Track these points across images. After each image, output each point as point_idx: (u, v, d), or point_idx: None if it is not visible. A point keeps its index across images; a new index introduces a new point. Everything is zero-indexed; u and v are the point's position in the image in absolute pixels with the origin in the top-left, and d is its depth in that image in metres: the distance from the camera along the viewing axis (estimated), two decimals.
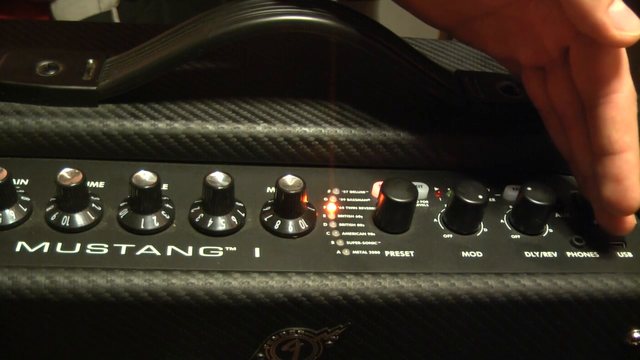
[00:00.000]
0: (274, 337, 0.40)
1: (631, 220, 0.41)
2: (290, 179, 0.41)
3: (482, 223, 0.43)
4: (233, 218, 0.41)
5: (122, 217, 0.40)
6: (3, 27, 0.52)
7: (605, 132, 0.39)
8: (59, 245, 0.39)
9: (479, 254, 0.42)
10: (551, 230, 0.44)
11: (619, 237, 0.44)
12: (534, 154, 0.46)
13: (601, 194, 0.39)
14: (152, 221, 0.40)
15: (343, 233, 0.42)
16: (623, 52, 0.38)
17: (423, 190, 0.45)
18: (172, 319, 0.39)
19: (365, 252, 0.41)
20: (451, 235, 0.43)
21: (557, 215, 0.45)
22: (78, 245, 0.39)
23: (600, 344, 0.43)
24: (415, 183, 0.42)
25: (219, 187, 0.39)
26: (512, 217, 0.44)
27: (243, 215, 0.41)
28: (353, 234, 0.42)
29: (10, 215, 0.39)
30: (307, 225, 0.41)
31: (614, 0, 0.36)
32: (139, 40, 0.46)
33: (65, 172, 0.39)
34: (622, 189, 0.39)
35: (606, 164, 0.39)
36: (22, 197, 0.40)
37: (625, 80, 0.38)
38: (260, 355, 0.41)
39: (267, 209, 0.42)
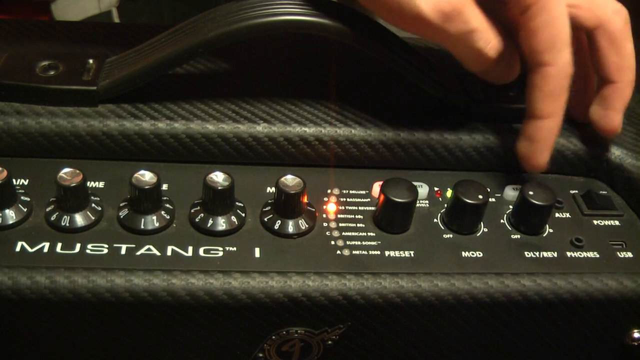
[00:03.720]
0: (274, 337, 0.40)
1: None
2: (290, 179, 0.41)
3: (482, 223, 0.43)
4: (233, 218, 0.41)
5: (122, 217, 0.40)
6: (3, 27, 0.52)
7: (531, 97, 0.42)
8: (59, 245, 0.39)
9: (479, 254, 0.42)
10: (551, 230, 0.44)
11: (619, 237, 0.44)
12: None
13: (517, 144, 0.44)
14: (152, 221, 0.40)
15: (343, 233, 0.42)
16: (562, 29, 0.41)
17: (423, 190, 0.45)
18: (172, 319, 0.39)
19: (365, 252, 0.41)
20: (451, 235, 0.43)
21: (557, 215, 0.45)
22: (78, 245, 0.39)
23: (600, 344, 0.43)
24: (415, 183, 0.42)
25: (219, 187, 0.39)
26: (512, 217, 0.44)
27: (243, 215, 0.41)
28: (353, 234, 0.42)
29: (10, 215, 0.39)
30: (307, 225, 0.41)
31: (496, 67, 0.42)
32: (139, 40, 0.46)
33: (65, 172, 0.39)
34: (533, 149, 0.43)
35: (527, 123, 0.43)
36: (22, 197, 0.40)
37: (559, 55, 0.41)
38: (260, 355, 0.41)
39: (267, 209, 0.42)
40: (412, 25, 0.41)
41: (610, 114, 0.44)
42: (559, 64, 0.41)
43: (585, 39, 0.45)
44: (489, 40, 0.41)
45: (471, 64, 0.43)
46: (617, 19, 0.43)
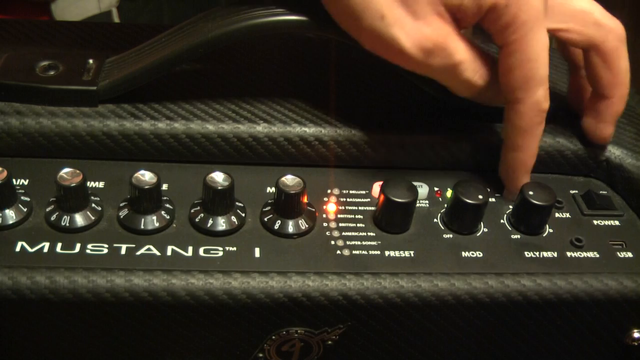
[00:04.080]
0: (274, 337, 0.40)
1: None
2: (290, 179, 0.41)
3: (482, 223, 0.43)
4: (233, 218, 0.41)
5: (122, 217, 0.40)
6: (3, 27, 0.52)
7: (504, 129, 0.44)
8: (59, 245, 0.39)
9: (479, 254, 0.42)
10: (551, 230, 0.44)
11: (619, 237, 0.44)
12: None
13: (499, 167, 0.45)
14: (152, 221, 0.40)
15: (343, 233, 0.42)
16: (537, 69, 0.41)
17: (423, 190, 0.45)
18: (172, 319, 0.39)
19: (365, 252, 0.41)
20: (451, 235, 0.43)
21: (557, 215, 0.45)
22: (78, 245, 0.39)
23: (600, 344, 0.43)
24: (415, 183, 0.42)
25: (219, 187, 0.39)
26: (512, 217, 0.44)
27: (243, 215, 0.41)
28: (353, 234, 0.42)
29: (10, 215, 0.39)
30: (307, 225, 0.41)
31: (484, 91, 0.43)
32: (139, 40, 0.46)
33: (65, 172, 0.39)
34: (509, 177, 0.45)
35: (502, 151, 0.45)
36: (22, 197, 0.40)
37: (531, 93, 0.41)
38: (260, 355, 0.41)
39: (267, 209, 0.42)
40: (394, 59, 0.41)
41: (602, 126, 0.45)
42: (530, 102, 0.41)
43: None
44: (476, 70, 0.41)
45: (460, 92, 0.43)
46: (611, 38, 0.43)
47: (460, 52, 0.41)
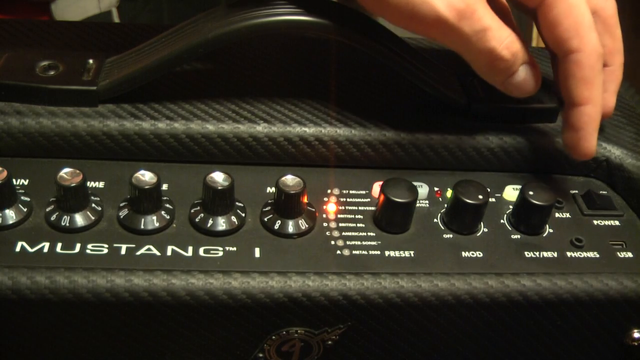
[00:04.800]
0: (274, 337, 0.40)
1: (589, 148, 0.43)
2: (290, 179, 0.41)
3: (482, 223, 0.43)
4: (233, 218, 0.41)
5: (122, 217, 0.40)
6: (3, 27, 0.52)
7: (567, 86, 0.42)
8: (59, 245, 0.39)
9: (479, 254, 0.42)
10: (551, 230, 0.44)
11: (619, 237, 0.44)
12: (534, 154, 0.46)
13: (562, 136, 0.44)
14: (152, 221, 0.40)
15: (343, 233, 0.42)
16: (584, 13, 0.41)
17: (423, 190, 0.45)
18: (172, 319, 0.39)
19: (365, 252, 0.41)
20: (451, 235, 0.43)
21: (557, 215, 0.45)
22: (78, 245, 0.39)
23: (600, 344, 0.43)
24: (415, 183, 0.42)
25: (219, 187, 0.39)
26: (512, 217, 0.44)
27: (243, 215, 0.41)
28: (353, 234, 0.42)
29: (10, 215, 0.39)
30: (307, 225, 0.41)
31: (513, 74, 0.42)
32: (139, 40, 0.46)
33: (65, 172, 0.39)
34: (578, 137, 0.43)
35: (567, 112, 0.43)
36: (22, 197, 0.40)
37: (586, 40, 0.41)
38: (260, 355, 0.41)
39: (267, 209, 0.42)
40: (427, 28, 0.40)
41: (606, 97, 0.45)
42: (587, 48, 0.41)
43: None
44: (502, 38, 0.41)
45: (483, 67, 0.42)
46: (609, 5, 0.44)
47: (489, 17, 0.40)
